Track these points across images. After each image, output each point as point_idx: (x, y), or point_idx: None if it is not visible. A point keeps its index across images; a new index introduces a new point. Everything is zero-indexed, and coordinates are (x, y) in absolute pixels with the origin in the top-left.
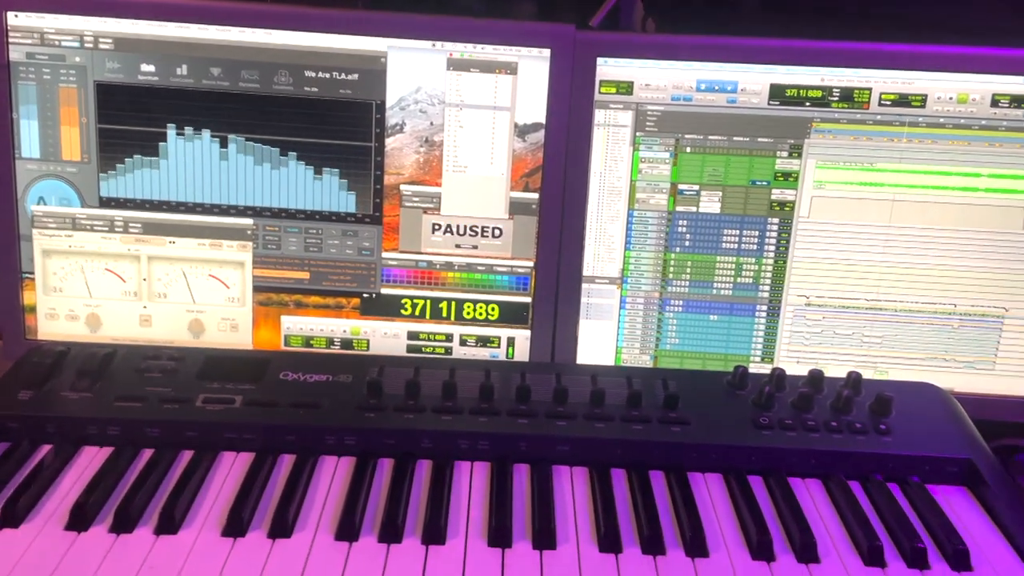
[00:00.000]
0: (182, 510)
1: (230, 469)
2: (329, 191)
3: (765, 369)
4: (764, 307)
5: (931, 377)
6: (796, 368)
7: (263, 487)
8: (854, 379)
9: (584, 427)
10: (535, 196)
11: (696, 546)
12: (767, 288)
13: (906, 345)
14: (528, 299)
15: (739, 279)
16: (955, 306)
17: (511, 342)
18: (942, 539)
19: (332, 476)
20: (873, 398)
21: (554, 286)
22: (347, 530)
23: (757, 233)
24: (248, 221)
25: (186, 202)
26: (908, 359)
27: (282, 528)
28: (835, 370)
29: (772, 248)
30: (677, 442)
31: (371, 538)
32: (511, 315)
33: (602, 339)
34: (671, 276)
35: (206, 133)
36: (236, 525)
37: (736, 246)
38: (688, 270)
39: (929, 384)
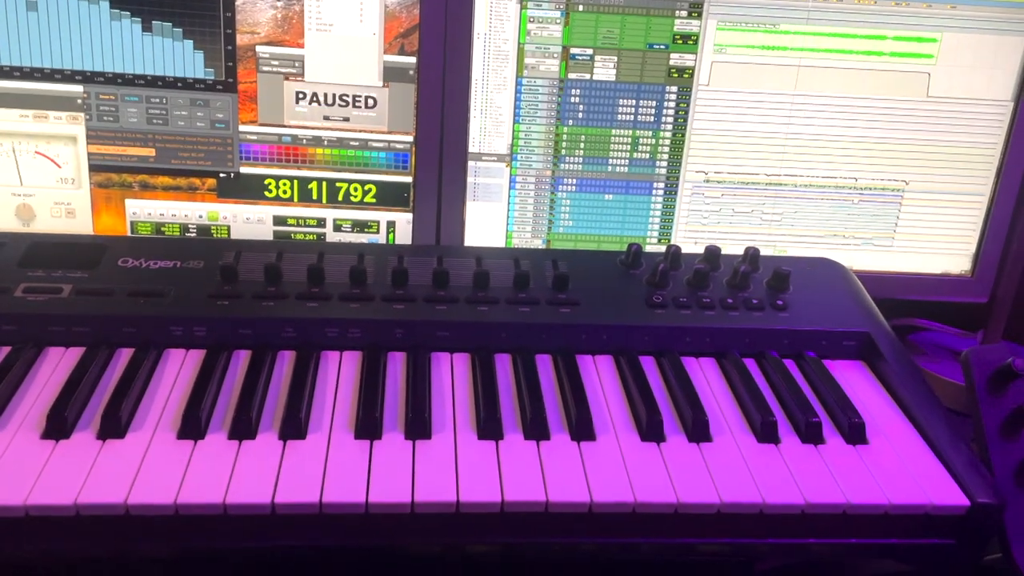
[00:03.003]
0: None
1: (56, 365)
2: (171, 53)
3: (662, 250)
4: (661, 184)
5: (830, 255)
6: (694, 249)
7: (94, 384)
8: (752, 255)
9: (466, 311)
10: (412, 60)
11: (582, 429)
12: (664, 164)
13: (806, 222)
14: (408, 178)
15: (635, 154)
16: (856, 180)
17: (391, 227)
18: (837, 413)
19: (178, 370)
20: (770, 274)
21: (437, 164)
22: (191, 426)
23: (655, 103)
24: (77, 88)
25: (0, 66)
26: (808, 237)
27: (114, 427)
28: (734, 250)
29: (670, 120)
30: (566, 323)
31: (220, 435)
32: (390, 196)
33: (491, 222)
34: (564, 152)
35: None
36: (58, 426)
37: (632, 118)
38: (582, 145)
39: (827, 259)
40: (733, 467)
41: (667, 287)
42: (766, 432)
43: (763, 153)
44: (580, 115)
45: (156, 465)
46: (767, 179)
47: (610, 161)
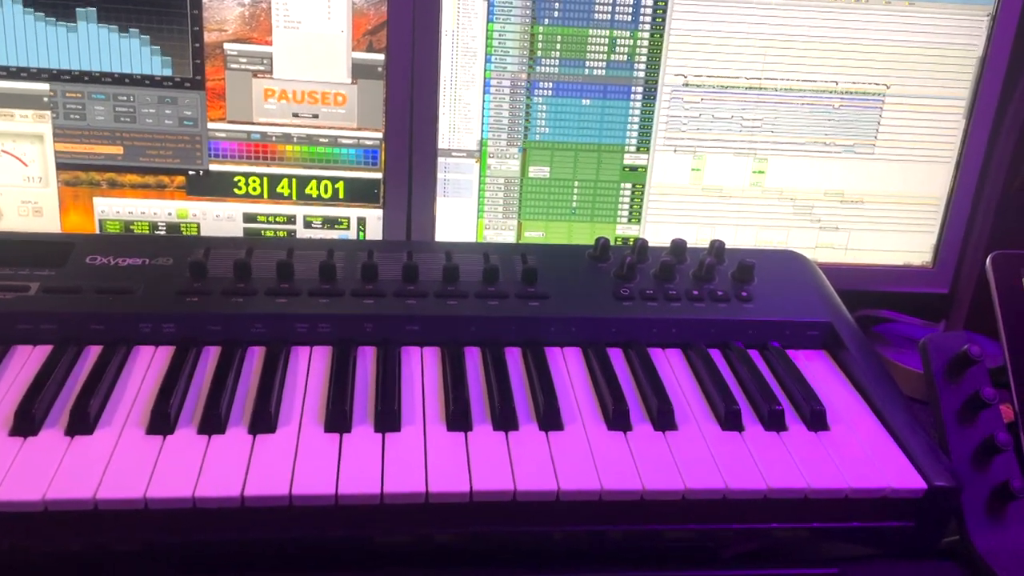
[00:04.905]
0: None
1: (24, 363)
2: (138, 50)
3: (642, 159)
4: (640, 88)
5: (811, 164)
6: (673, 158)
7: (62, 381)
8: (717, 247)
9: (436, 305)
10: (380, 57)
11: (550, 419)
12: (643, 66)
13: (786, 128)
14: (378, 175)
15: (613, 56)
16: (836, 84)
17: (362, 223)
18: (799, 401)
19: (147, 367)
20: (735, 266)
21: (407, 160)
22: (160, 422)
23: (632, 0)
24: (43, 87)
25: None
26: (788, 145)
27: (82, 424)
28: (713, 159)
29: (648, 18)
30: (535, 317)
31: (190, 430)
32: (360, 193)
33: (461, 218)
34: (539, 53)
35: None
36: (26, 423)
37: (609, 17)
38: (558, 46)
39: (791, 252)
40: (698, 454)
41: (634, 280)
42: (730, 420)
43: (743, 55)
44: (556, 13)
45: (125, 461)
46: (747, 82)
47: (587, 63)
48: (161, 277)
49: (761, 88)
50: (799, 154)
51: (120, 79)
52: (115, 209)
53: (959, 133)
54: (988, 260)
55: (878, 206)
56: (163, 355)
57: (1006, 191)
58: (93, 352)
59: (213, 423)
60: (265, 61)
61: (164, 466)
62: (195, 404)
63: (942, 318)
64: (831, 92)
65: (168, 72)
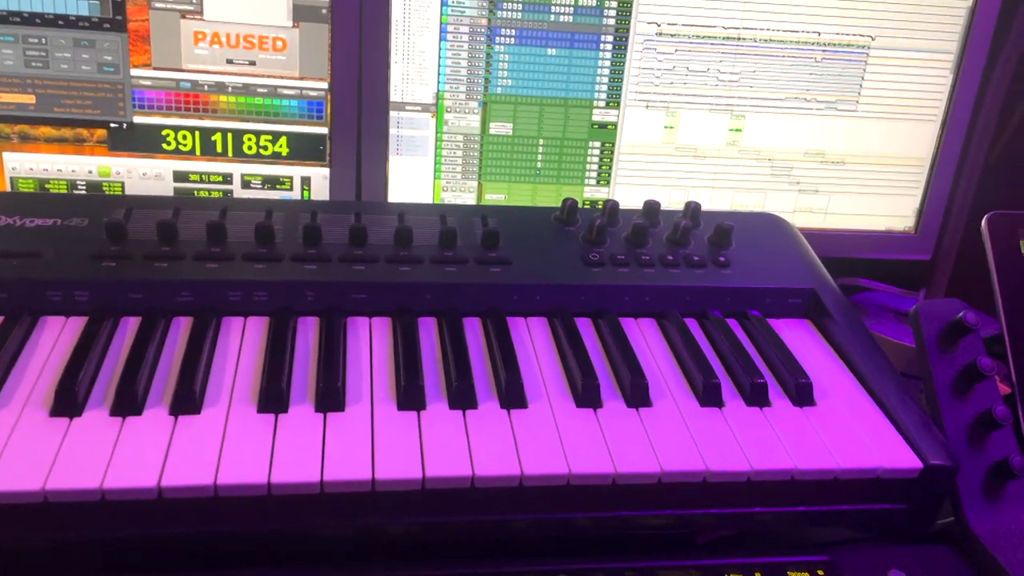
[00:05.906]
0: None
1: None
2: None
3: (612, 116)
4: (610, 37)
5: (792, 121)
6: (645, 114)
7: None
8: (693, 209)
9: (386, 271)
10: None
11: (512, 396)
12: (613, 12)
13: (765, 83)
14: (324, 130)
15: (581, 1)
16: (819, 35)
17: (306, 183)
18: (783, 373)
19: (55, 339)
20: (712, 229)
21: (355, 114)
22: (66, 402)
23: None
24: None
25: None
26: (767, 101)
27: None
28: (687, 116)
29: None
30: (496, 283)
31: (101, 411)
32: (304, 150)
33: (417, 178)
34: None
35: None
36: None
37: None
38: None
39: (771, 215)
40: (675, 433)
41: (604, 244)
42: (709, 395)
43: (721, 3)
44: None
45: (22, 447)
46: (724, 32)
47: (552, 9)
48: (74, 239)
49: (739, 39)
50: (778, 111)
51: (30, 19)
52: (28, 165)
53: (946, 89)
54: (984, 221)
55: (860, 167)
56: (74, 326)
57: (991, 152)
58: None
59: (128, 403)
60: (195, 0)
61: (68, 453)
62: (109, 382)
63: (922, 286)
64: (813, 44)
65: (84, 11)
